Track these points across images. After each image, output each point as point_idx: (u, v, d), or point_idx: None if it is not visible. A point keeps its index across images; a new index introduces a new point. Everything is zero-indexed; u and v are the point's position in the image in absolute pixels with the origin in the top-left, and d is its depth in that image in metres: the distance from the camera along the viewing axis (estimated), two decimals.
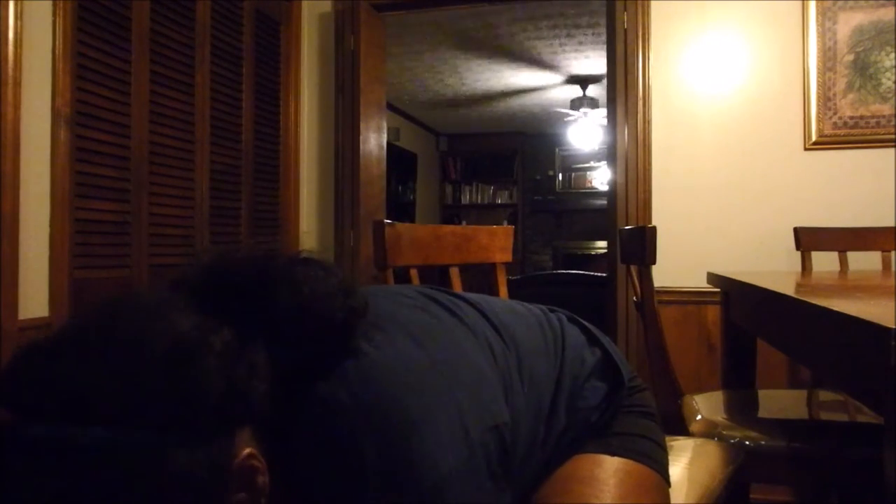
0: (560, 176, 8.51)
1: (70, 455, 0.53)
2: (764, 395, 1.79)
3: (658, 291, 1.60)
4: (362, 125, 2.94)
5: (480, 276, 1.46)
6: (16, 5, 1.66)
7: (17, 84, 1.66)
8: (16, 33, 1.66)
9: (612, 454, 0.86)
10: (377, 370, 0.67)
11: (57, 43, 1.76)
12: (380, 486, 0.63)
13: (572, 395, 0.87)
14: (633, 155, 2.62)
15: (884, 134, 2.42)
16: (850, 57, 2.45)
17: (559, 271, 6.77)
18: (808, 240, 2.23)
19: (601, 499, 0.82)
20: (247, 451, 0.61)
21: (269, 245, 2.78)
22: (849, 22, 2.45)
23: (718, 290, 1.98)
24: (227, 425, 0.60)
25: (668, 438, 1.14)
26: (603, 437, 0.88)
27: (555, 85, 6.12)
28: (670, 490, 0.92)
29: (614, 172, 2.69)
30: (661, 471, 0.90)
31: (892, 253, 2.15)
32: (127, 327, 0.60)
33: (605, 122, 4.96)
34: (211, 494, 0.58)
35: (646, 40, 2.61)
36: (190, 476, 0.56)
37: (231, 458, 0.60)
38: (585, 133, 6.38)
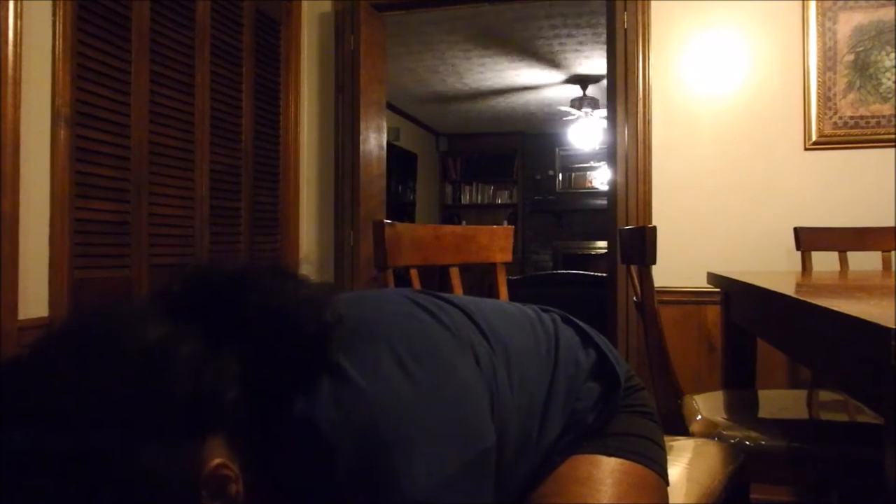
0: (560, 176, 8.51)
1: (38, 461, 0.54)
2: (764, 395, 1.79)
3: (658, 291, 1.60)
4: (362, 125, 2.94)
5: (480, 276, 1.46)
6: (16, 5, 1.65)
7: (17, 84, 1.66)
8: (16, 33, 1.66)
9: (610, 454, 0.86)
10: (356, 395, 0.67)
11: (57, 43, 1.76)
12: (347, 492, 0.64)
13: (567, 396, 0.87)
14: (633, 155, 2.62)
15: (884, 134, 2.42)
16: (850, 57, 2.45)
17: (559, 271, 6.77)
18: (808, 240, 2.23)
19: (598, 499, 0.82)
20: (217, 461, 0.61)
21: (268, 245, 2.78)
22: (849, 22, 2.45)
23: (718, 290, 1.98)
24: (196, 431, 0.60)
25: (668, 438, 1.14)
26: (600, 438, 0.88)
27: (555, 84, 6.12)
28: (670, 490, 0.92)
29: (614, 172, 2.69)
30: (659, 471, 0.89)
31: (892, 253, 2.15)
32: (97, 336, 0.61)
33: (605, 121, 4.96)
34: (183, 501, 0.59)
35: (646, 40, 2.61)
36: (160, 482, 0.57)
37: (201, 466, 0.60)
38: (585, 133, 6.38)
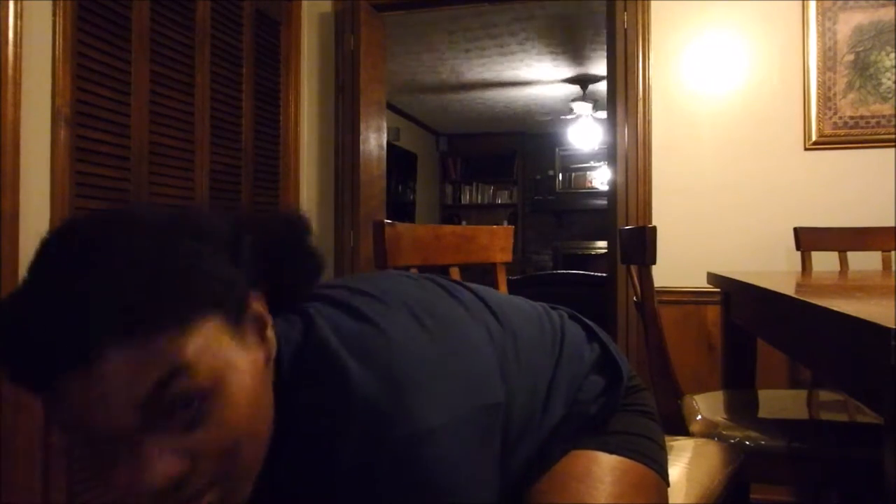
0: (560, 176, 8.51)
1: (134, 263, 0.55)
2: (764, 395, 1.79)
3: (658, 291, 1.60)
4: (362, 125, 2.94)
5: (480, 276, 1.46)
6: (16, 5, 1.65)
7: (17, 84, 1.66)
8: (16, 33, 1.66)
9: (610, 452, 0.86)
10: (372, 330, 0.68)
11: (57, 43, 1.76)
12: (362, 428, 0.63)
13: (570, 386, 0.87)
14: (633, 155, 2.62)
15: (884, 134, 2.42)
16: (850, 57, 2.45)
17: (559, 271, 6.77)
18: (808, 240, 2.23)
19: (596, 497, 0.82)
20: (259, 301, 0.64)
21: None
22: (849, 22, 2.45)
23: (718, 290, 1.98)
24: (240, 268, 0.63)
25: (668, 438, 1.14)
26: (601, 435, 0.88)
27: (555, 84, 6.12)
28: (670, 490, 0.92)
29: (614, 172, 2.69)
30: (659, 470, 0.89)
31: (892, 253, 2.15)
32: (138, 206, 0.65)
33: (605, 121, 4.96)
34: (234, 292, 0.61)
35: (646, 40, 2.61)
36: (216, 266, 0.60)
37: (248, 294, 0.63)
38: (585, 133, 6.38)
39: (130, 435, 0.55)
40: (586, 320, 0.99)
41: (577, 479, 0.83)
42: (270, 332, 0.65)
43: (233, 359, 0.59)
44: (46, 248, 0.60)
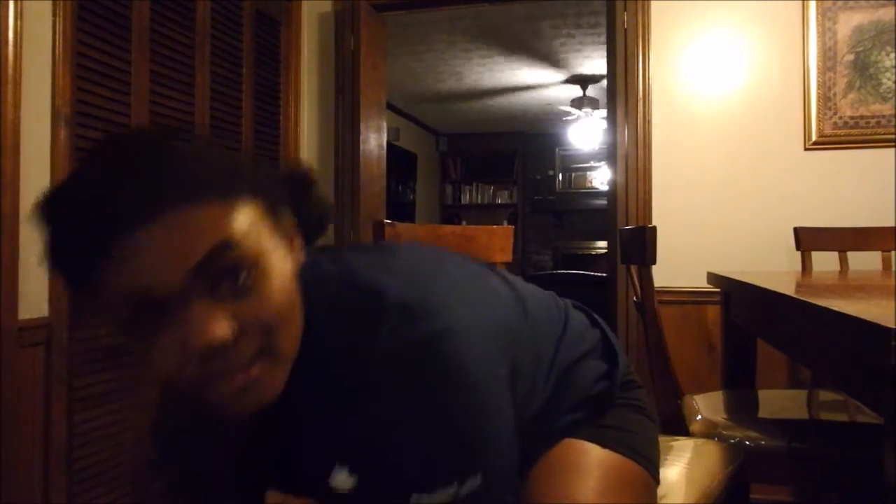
0: (560, 176, 8.51)
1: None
2: (764, 395, 1.79)
3: (658, 291, 1.60)
4: (362, 125, 2.94)
5: None
6: (16, 5, 1.65)
7: (17, 84, 1.66)
8: (16, 33, 1.66)
9: (603, 446, 0.87)
10: (393, 254, 0.79)
11: (57, 43, 1.76)
12: (391, 325, 0.66)
13: (570, 364, 0.90)
14: (633, 155, 2.62)
15: (884, 134, 2.42)
16: (850, 57, 2.45)
17: (559, 271, 6.77)
18: (808, 240, 2.23)
19: (583, 490, 0.82)
20: (291, 219, 0.70)
21: None
22: (849, 22, 2.45)
23: (718, 290, 1.98)
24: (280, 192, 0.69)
25: (668, 438, 1.14)
26: (597, 427, 0.89)
27: (555, 85, 6.12)
28: (670, 490, 0.93)
29: (614, 172, 2.69)
30: (649, 468, 0.90)
31: (892, 253, 2.15)
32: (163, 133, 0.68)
33: (605, 121, 4.96)
34: (272, 193, 0.66)
35: (646, 40, 2.61)
36: (263, 180, 0.66)
37: (283, 203, 0.68)
38: (585, 133, 6.38)
39: (181, 296, 0.57)
40: (589, 311, 1.03)
41: (567, 469, 0.84)
42: (297, 243, 0.69)
43: (272, 245, 0.63)
44: (110, 137, 0.69)
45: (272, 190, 0.67)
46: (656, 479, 0.91)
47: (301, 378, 0.67)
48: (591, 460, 0.85)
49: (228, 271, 0.59)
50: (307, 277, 0.69)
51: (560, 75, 5.82)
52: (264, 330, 0.61)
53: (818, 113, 2.47)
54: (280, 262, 0.64)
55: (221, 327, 0.58)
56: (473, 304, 0.72)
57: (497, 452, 0.69)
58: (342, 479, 0.69)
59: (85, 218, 0.56)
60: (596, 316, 1.02)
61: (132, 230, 0.55)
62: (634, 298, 1.79)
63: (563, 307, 0.98)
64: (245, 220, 0.61)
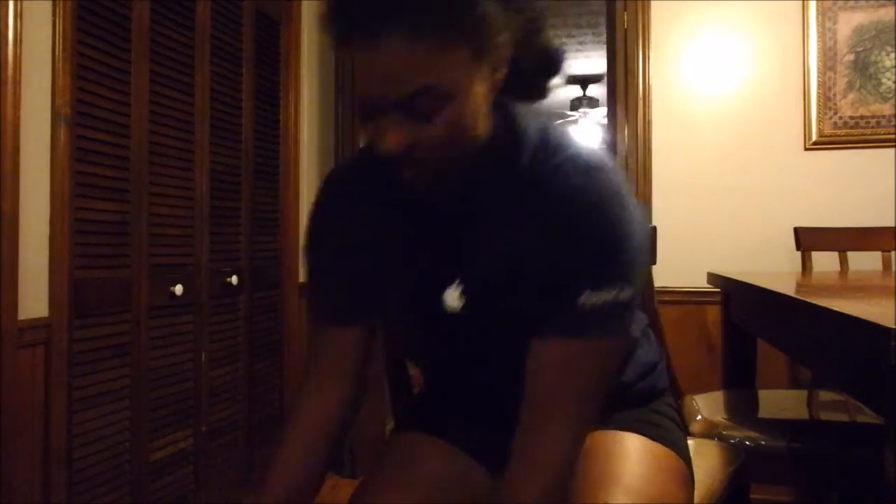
0: None
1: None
2: (764, 395, 1.79)
3: (658, 291, 1.60)
4: None
5: None
6: (16, 5, 1.65)
7: (17, 84, 1.66)
8: (16, 33, 1.65)
9: (648, 437, 0.90)
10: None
11: (57, 43, 1.76)
12: (579, 166, 0.80)
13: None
14: (633, 155, 2.62)
15: (884, 134, 2.42)
16: (850, 57, 2.45)
17: None
18: (808, 240, 2.23)
19: (630, 471, 0.85)
20: (506, 50, 0.77)
21: (268, 245, 2.78)
22: (849, 22, 2.45)
23: (718, 290, 1.98)
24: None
25: None
26: (637, 421, 0.93)
27: (555, 85, 6.10)
28: None
29: None
30: (689, 464, 0.94)
31: (892, 253, 2.15)
32: None
33: (605, 121, 4.95)
34: (486, 47, 0.73)
35: (646, 40, 2.61)
36: (487, 26, 0.73)
37: (505, 42, 0.76)
38: (585, 133, 6.38)
39: (383, 108, 0.72)
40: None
41: (615, 455, 0.87)
42: (500, 74, 0.77)
43: (471, 84, 0.73)
44: None
45: (498, 33, 0.74)
46: (693, 476, 0.93)
47: (486, 182, 0.81)
48: (638, 447, 0.88)
49: (426, 104, 0.71)
50: (519, 113, 0.84)
51: (560, 75, 5.81)
52: (443, 145, 0.74)
53: (818, 113, 2.47)
54: (473, 99, 0.74)
55: (399, 140, 0.72)
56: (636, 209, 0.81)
57: (639, 279, 0.80)
58: (453, 297, 0.82)
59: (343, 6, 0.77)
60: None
61: (371, 38, 0.70)
62: None
63: None
64: (453, 63, 0.70)
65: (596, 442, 0.86)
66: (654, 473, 0.85)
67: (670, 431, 0.93)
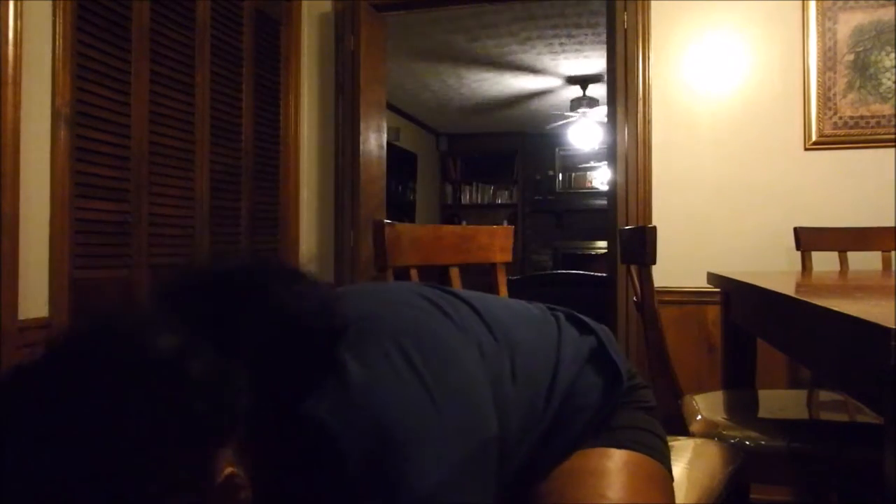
0: (560, 176, 8.50)
1: (38, 480, 0.54)
2: (764, 395, 1.79)
3: (658, 291, 1.60)
4: (362, 125, 2.94)
5: (480, 276, 1.46)
6: (16, 5, 1.66)
7: (17, 84, 1.66)
8: (16, 33, 1.66)
9: (620, 447, 0.87)
10: (362, 393, 0.67)
11: (57, 43, 1.76)
12: (367, 500, 0.65)
13: (569, 390, 0.87)
14: (633, 155, 2.62)
15: (884, 134, 2.42)
16: (850, 57, 2.45)
17: (559, 271, 6.77)
18: (808, 240, 2.23)
19: (613, 490, 0.82)
20: (229, 470, 0.61)
21: (268, 245, 2.78)
22: (849, 22, 2.45)
23: (718, 290, 1.98)
24: (209, 444, 0.60)
25: (668, 438, 1.14)
26: (608, 431, 0.89)
27: (555, 85, 6.12)
28: None
29: (614, 172, 2.69)
30: (666, 464, 0.91)
31: (892, 253, 2.15)
32: (106, 351, 0.60)
33: (605, 121, 4.96)
34: None
35: (646, 40, 2.61)
36: (173, 497, 0.57)
37: (214, 478, 0.60)
38: (585, 133, 6.38)
39: None
40: (586, 319, 0.98)
41: (592, 474, 0.84)
42: (245, 494, 0.63)
43: None
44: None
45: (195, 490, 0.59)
46: (672, 476, 0.91)
47: None
48: (614, 463, 0.85)
49: None
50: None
51: (560, 75, 5.82)
52: None
53: (818, 113, 2.47)
54: None
55: None
56: (443, 443, 0.68)
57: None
58: None
59: None
60: (593, 325, 0.97)
61: None
62: (634, 298, 1.79)
63: (555, 327, 0.93)
64: None
65: (569, 467, 0.85)
66: (636, 488, 0.84)
67: (640, 433, 0.90)
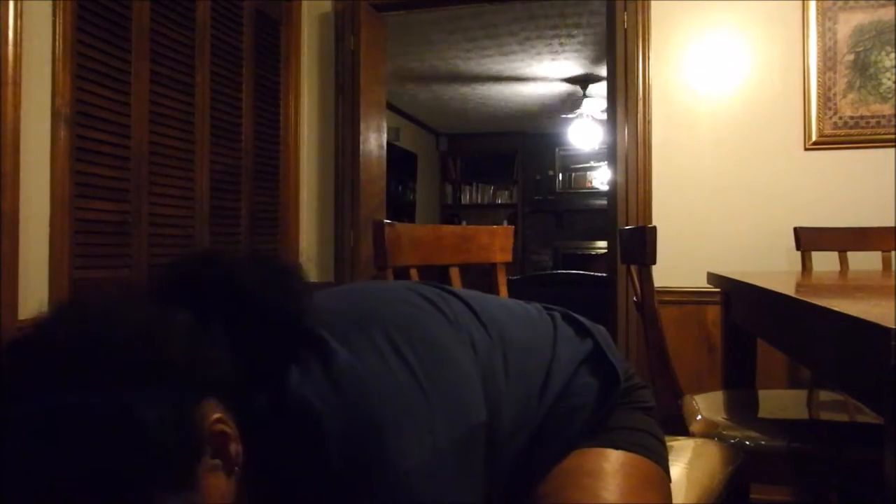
0: (560, 176, 8.51)
1: (45, 423, 0.56)
2: (764, 395, 1.79)
3: (658, 291, 1.60)
4: (362, 125, 2.94)
5: (480, 276, 1.46)
6: (16, 5, 1.66)
7: (17, 84, 1.66)
8: (16, 33, 1.66)
9: (617, 448, 0.87)
10: (349, 375, 0.68)
11: (57, 43, 1.76)
12: (344, 483, 0.65)
13: (563, 391, 0.87)
14: (633, 155, 2.62)
15: (884, 134, 2.42)
16: (850, 57, 2.45)
17: (559, 271, 6.77)
18: (808, 240, 2.23)
19: (609, 491, 0.82)
20: (216, 415, 0.62)
21: (268, 245, 2.78)
22: (849, 22, 2.45)
23: (718, 290, 1.98)
24: (194, 389, 0.61)
25: (668, 438, 1.14)
26: (604, 432, 0.88)
27: (555, 85, 6.12)
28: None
29: (614, 172, 2.69)
30: (663, 465, 0.90)
31: (892, 253, 2.15)
32: (95, 313, 0.63)
33: (604, 121, 4.96)
34: (183, 457, 0.60)
35: (646, 40, 2.61)
36: (161, 437, 0.58)
37: (201, 421, 0.61)
38: (585, 133, 6.38)
39: None
40: (583, 320, 0.98)
41: (588, 475, 0.84)
42: (234, 447, 0.64)
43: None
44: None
45: (179, 453, 0.60)
46: (669, 477, 0.91)
47: None
48: (611, 464, 0.85)
49: None
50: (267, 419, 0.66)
51: (560, 75, 5.82)
52: None
53: (818, 113, 2.47)
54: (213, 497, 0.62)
55: None
56: (427, 428, 0.69)
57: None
58: None
59: None
60: (590, 326, 0.96)
61: None
62: (634, 298, 1.79)
63: (550, 327, 0.93)
64: None
65: (566, 467, 0.84)
66: (632, 489, 0.84)
67: (637, 434, 0.90)
